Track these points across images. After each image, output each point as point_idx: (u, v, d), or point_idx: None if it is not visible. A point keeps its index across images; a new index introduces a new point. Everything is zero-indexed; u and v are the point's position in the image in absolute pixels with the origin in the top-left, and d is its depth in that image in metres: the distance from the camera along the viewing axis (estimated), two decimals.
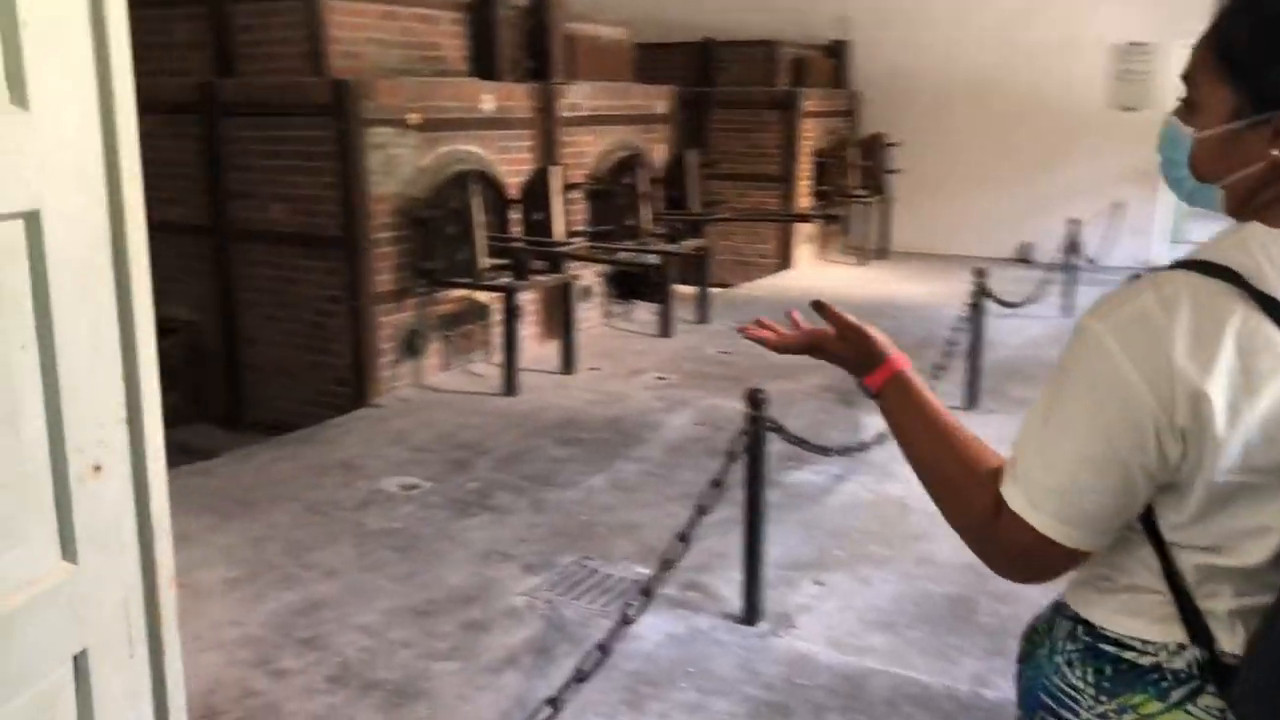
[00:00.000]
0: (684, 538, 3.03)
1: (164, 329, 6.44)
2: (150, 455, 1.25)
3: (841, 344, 1.44)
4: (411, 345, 6.08)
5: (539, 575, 3.83)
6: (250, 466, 4.85)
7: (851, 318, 1.45)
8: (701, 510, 3.08)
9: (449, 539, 4.11)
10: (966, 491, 1.23)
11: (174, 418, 6.35)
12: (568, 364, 6.54)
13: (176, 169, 6.14)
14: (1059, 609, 1.29)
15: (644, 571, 3.79)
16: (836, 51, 11.60)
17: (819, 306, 1.48)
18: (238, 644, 3.31)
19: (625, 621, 2.76)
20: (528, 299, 7.05)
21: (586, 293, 7.70)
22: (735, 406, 5.78)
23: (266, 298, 6.06)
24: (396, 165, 5.82)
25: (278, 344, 6.09)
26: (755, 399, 3.33)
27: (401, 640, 3.35)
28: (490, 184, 6.53)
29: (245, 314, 6.16)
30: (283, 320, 6.03)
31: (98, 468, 1.19)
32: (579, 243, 6.91)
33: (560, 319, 6.72)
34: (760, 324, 1.55)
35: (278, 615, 3.49)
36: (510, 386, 6.05)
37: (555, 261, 6.51)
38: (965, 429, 1.32)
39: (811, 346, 1.47)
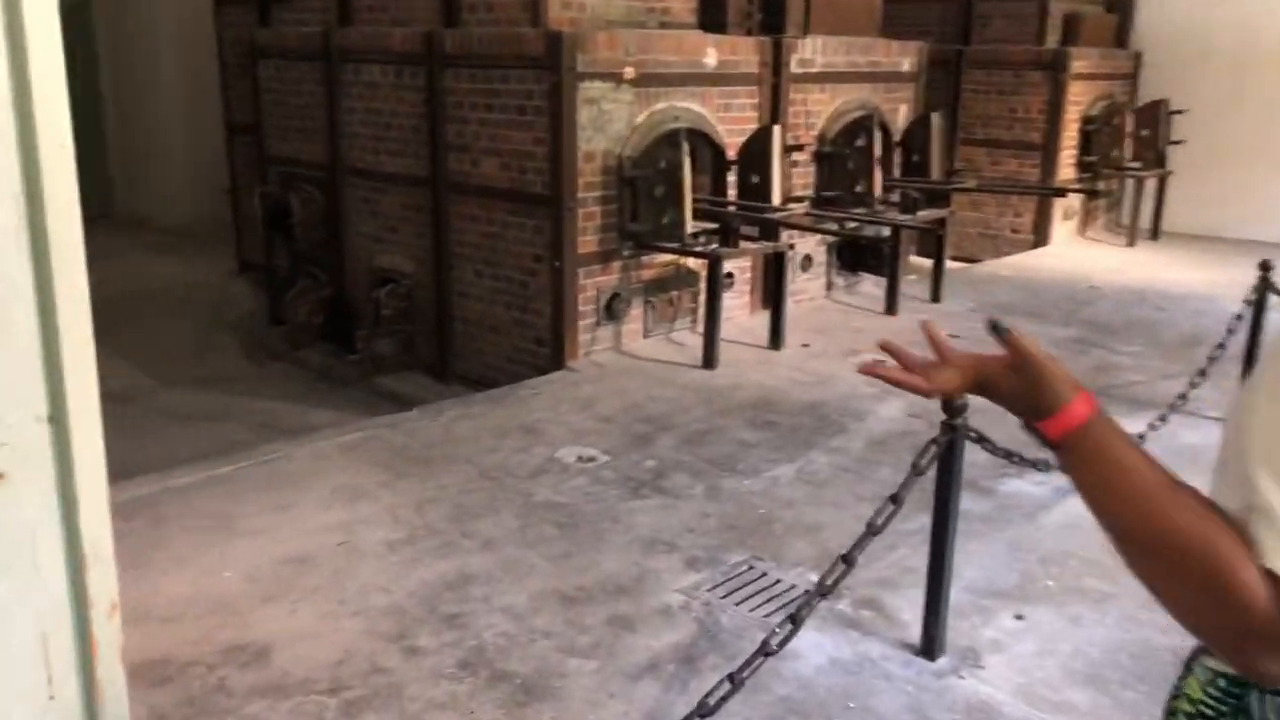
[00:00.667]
0: (847, 560, 2.62)
1: (383, 279, 6.62)
2: (82, 464, 1.04)
3: (1013, 378, 1.17)
4: (612, 309, 5.88)
5: (701, 572, 3.52)
6: (437, 424, 4.82)
7: (1031, 344, 1.16)
8: (872, 530, 2.66)
9: (614, 520, 3.88)
10: (1213, 576, 0.93)
11: (388, 365, 6.55)
12: (775, 338, 6.15)
13: (402, 119, 6.21)
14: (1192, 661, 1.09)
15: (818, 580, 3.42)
16: (1119, 7, 10.35)
17: (995, 328, 1.20)
18: (381, 613, 3.22)
19: (765, 653, 2.41)
20: (740, 266, 6.70)
21: (807, 262, 7.25)
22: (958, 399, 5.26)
23: (477, 253, 6.04)
24: (608, 121, 5.60)
25: (485, 299, 6.07)
26: (952, 403, 2.85)
27: (543, 629, 3.15)
28: (708, 144, 6.20)
29: (458, 268, 6.17)
30: (490, 276, 6.00)
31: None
32: (797, 209, 6.47)
33: (772, 289, 6.32)
34: (890, 349, 1.31)
35: (427, 586, 3.38)
36: (709, 359, 5.74)
37: (769, 228, 6.11)
38: (1181, 484, 1.00)
39: (975, 382, 1.23)
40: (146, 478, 4.20)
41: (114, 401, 5.94)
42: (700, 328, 6.09)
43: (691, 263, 6.19)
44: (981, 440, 3.02)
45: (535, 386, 5.41)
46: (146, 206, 10.19)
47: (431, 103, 5.97)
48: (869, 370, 1.32)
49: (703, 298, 6.10)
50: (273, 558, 3.54)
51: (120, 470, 5.15)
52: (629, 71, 5.63)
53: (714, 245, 5.92)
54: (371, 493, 4.07)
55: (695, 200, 5.87)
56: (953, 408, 2.86)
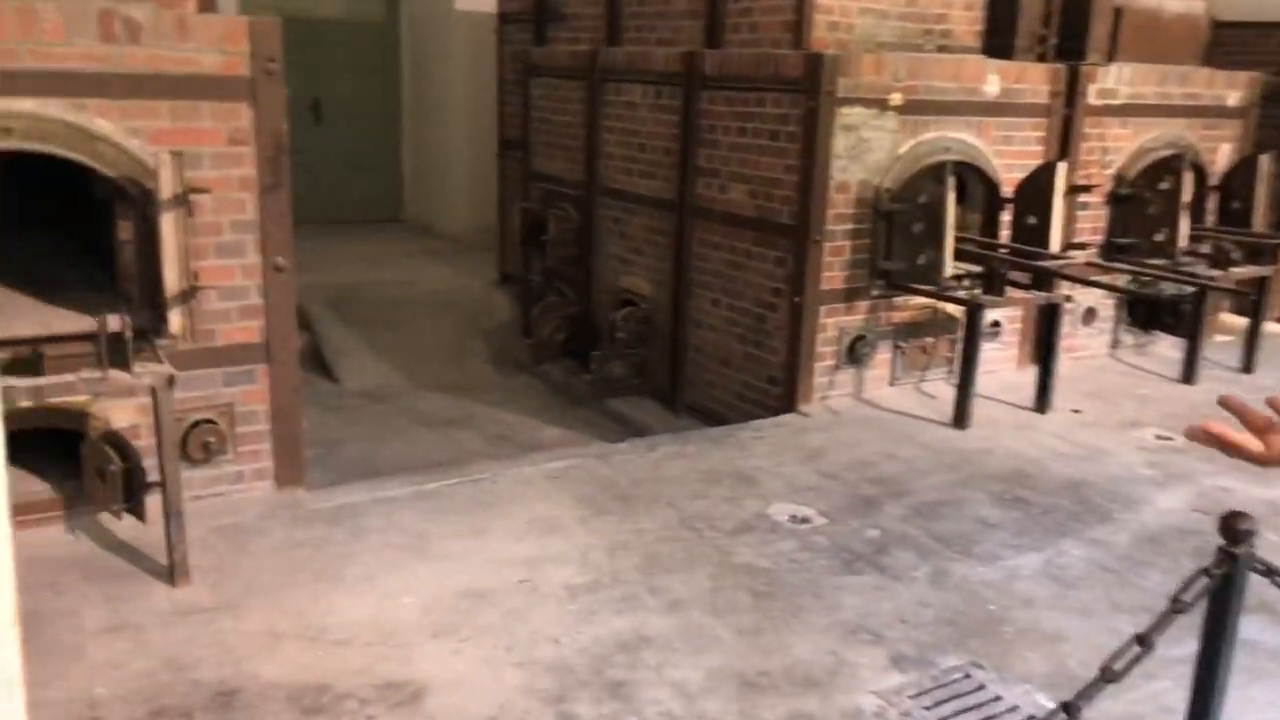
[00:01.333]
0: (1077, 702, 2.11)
1: (624, 301, 6.51)
2: None
3: None
4: (855, 352, 5.43)
5: (907, 673, 3.05)
6: (646, 460, 4.59)
7: None
8: (1108, 676, 2.13)
9: (817, 595, 3.47)
10: None
11: (619, 388, 6.42)
12: (1042, 400, 5.46)
13: (656, 141, 6.07)
14: None
15: (1047, 705, 2.86)
16: None
17: None
18: (545, 668, 3.00)
19: None
20: (1010, 316, 6.04)
21: (1089, 316, 6.44)
22: (1260, 496, 4.40)
23: (716, 281, 5.78)
24: (867, 150, 5.17)
25: (720, 330, 5.80)
26: (1233, 525, 2.25)
27: (713, 716, 2.81)
28: (980, 179, 5.62)
29: (696, 295, 5.94)
30: (728, 306, 5.72)
31: None
32: (1079, 257, 5.73)
33: (1043, 344, 5.62)
34: (1231, 405, 1.18)
35: (599, 643, 3.14)
36: (960, 417, 5.16)
37: (1044, 277, 5.44)
38: None
39: None
40: (356, 486, 4.25)
41: (369, 400, 6.17)
42: (955, 380, 5.51)
43: (951, 308, 5.61)
44: (1273, 574, 2.38)
45: (759, 429, 5.06)
46: (430, 214, 10.74)
47: (685, 125, 5.78)
48: (1199, 434, 1.20)
49: (960, 347, 5.51)
50: (454, 588, 3.43)
51: (359, 468, 5.37)
52: (895, 97, 5.18)
53: (977, 291, 5.33)
54: (566, 528, 3.88)
55: (959, 240, 5.31)
56: (1235, 530, 2.26)
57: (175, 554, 3.32)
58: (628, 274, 6.51)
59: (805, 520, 4.04)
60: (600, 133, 6.56)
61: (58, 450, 3.74)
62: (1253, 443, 1.20)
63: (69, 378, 3.12)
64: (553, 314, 6.95)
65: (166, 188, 3.26)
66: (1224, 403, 1.25)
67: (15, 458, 3.75)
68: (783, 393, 5.38)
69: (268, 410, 3.95)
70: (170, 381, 3.21)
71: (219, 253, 3.75)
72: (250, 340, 3.87)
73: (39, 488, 3.68)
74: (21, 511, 3.59)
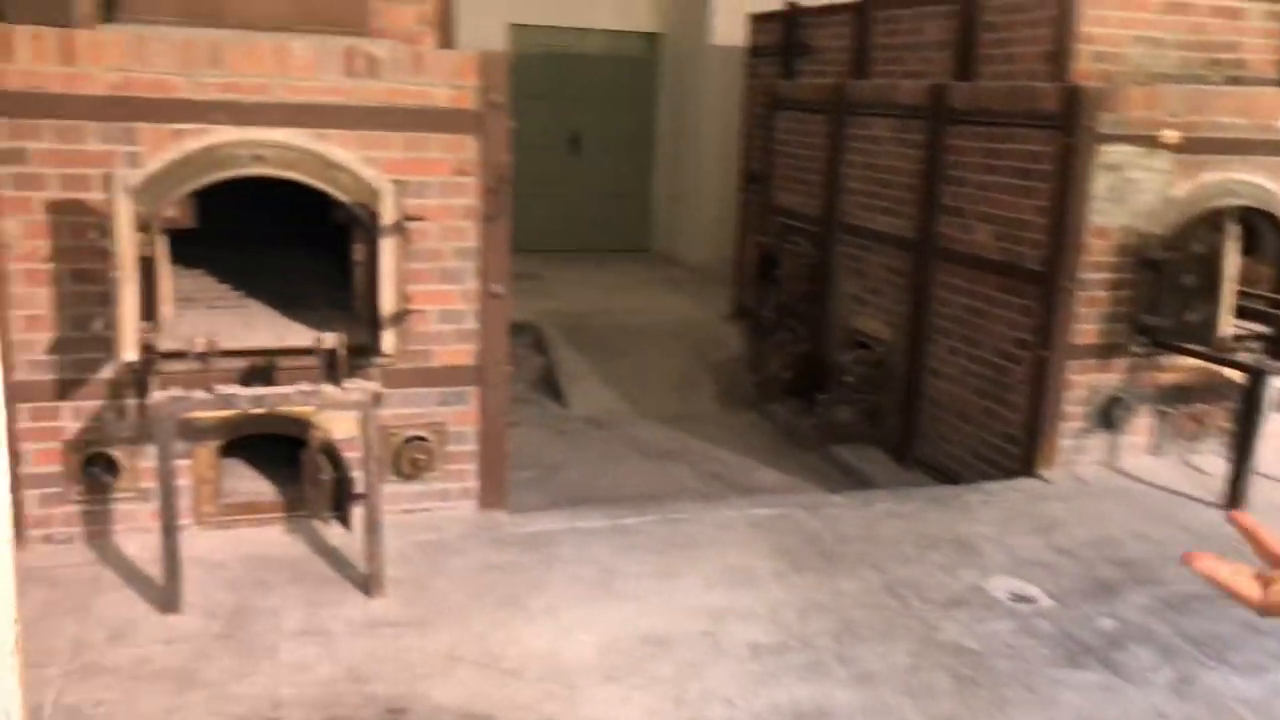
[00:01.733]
0: None
1: (857, 343, 6.23)
2: None
3: None
4: (1109, 415, 4.89)
5: None
6: (859, 515, 4.31)
7: None
8: None
9: (1030, 689, 3.10)
10: None
11: (846, 435, 6.14)
12: None
13: (898, 177, 5.78)
14: None
15: None
16: None
17: None
18: None
19: None
20: None
21: None
22: None
23: (956, 328, 5.40)
24: (1132, 192, 4.66)
25: (957, 380, 5.41)
26: None
27: None
28: (1274, 227, 4.93)
29: (933, 341, 5.58)
30: (966, 356, 5.33)
31: None
32: None
33: None
34: (1244, 526, 1.00)
35: (777, 711, 2.93)
36: (1234, 497, 4.52)
37: None
38: None
39: None
40: (556, 514, 4.26)
41: (593, 425, 6.25)
42: (1231, 455, 4.83)
43: (1229, 372, 4.95)
44: None
45: (990, 493, 4.65)
46: (676, 244, 10.85)
47: (930, 161, 5.46)
48: (1192, 559, 1.03)
49: (1239, 418, 4.84)
50: (634, 631, 3.33)
51: (574, 494, 5.43)
52: (1169, 135, 4.64)
53: (1260, 354, 4.67)
54: (760, 581, 3.70)
55: (1242, 295, 4.69)
56: None
57: (372, 566, 3.42)
58: (862, 314, 6.23)
59: (1028, 599, 3.64)
60: (842, 167, 6.34)
61: (286, 456, 3.98)
62: (1245, 588, 0.98)
63: (286, 389, 3.30)
64: (781, 351, 6.77)
65: (387, 215, 3.40)
66: (1234, 521, 1.01)
67: (250, 459, 4.04)
68: (1022, 454, 4.93)
69: (477, 432, 4.03)
70: (377, 398, 3.32)
71: (441, 278, 3.87)
72: (465, 363, 3.96)
73: (265, 489, 3.93)
74: (247, 510, 3.85)
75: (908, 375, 5.76)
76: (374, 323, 3.54)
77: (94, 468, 3.60)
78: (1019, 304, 4.94)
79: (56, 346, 3.46)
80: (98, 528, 3.65)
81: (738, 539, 4.04)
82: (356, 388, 3.30)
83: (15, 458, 3.50)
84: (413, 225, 3.60)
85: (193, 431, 3.68)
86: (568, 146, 10.88)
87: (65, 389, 3.51)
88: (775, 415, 6.82)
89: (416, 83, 3.67)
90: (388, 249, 3.41)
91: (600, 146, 10.99)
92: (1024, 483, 4.79)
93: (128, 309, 3.13)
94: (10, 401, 3.45)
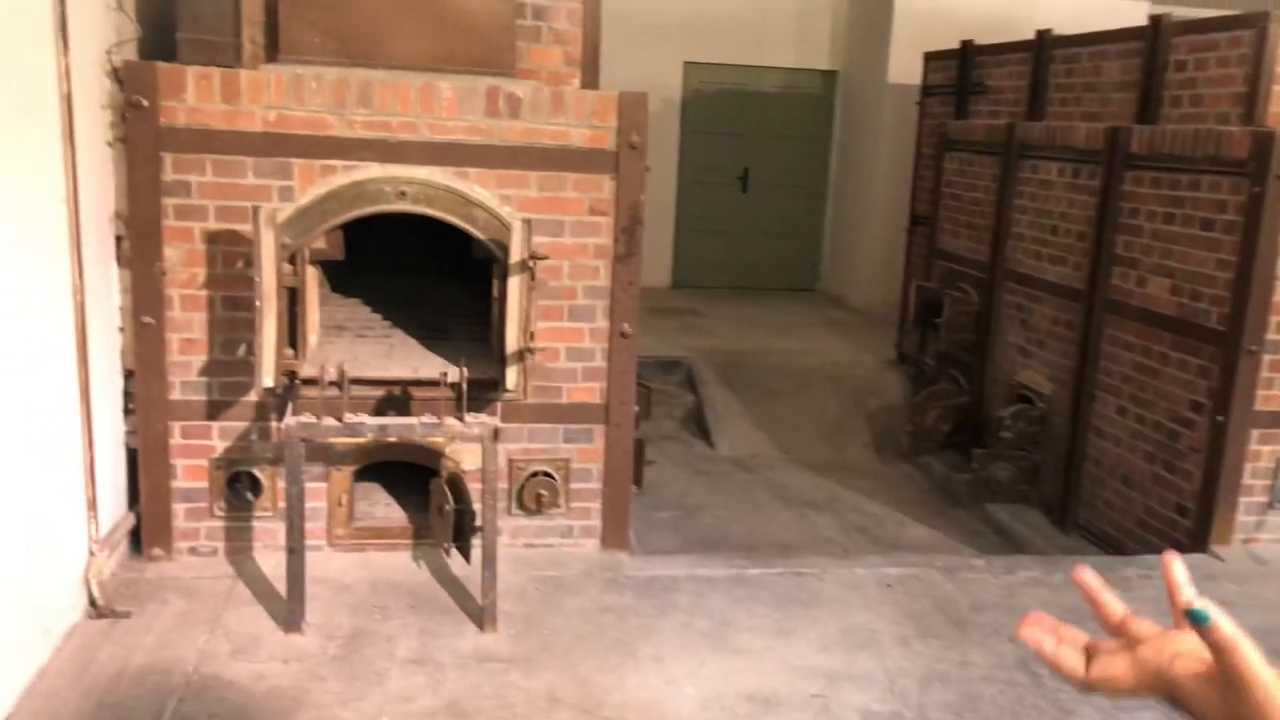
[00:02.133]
0: None
1: (1019, 396, 5.89)
2: None
3: (1212, 695, 0.80)
4: None
5: None
6: (999, 582, 4.04)
7: (1243, 647, 0.78)
8: None
9: None
10: None
11: (1003, 493, 5.80)
12: None
13: (1069, 224, 5.45)
14: None
15: None
16: None
17: (1192, 614, 0.80)
18: None
19: None
20: None
21: None
22: None
23: (1125, 386, 5.02)
24: None
25: (1124, 443, 5.01)
26: None
27: None
28: None
29: (1100, 399, 5.21)
30: (1135, 417, 4.93)
31: None
32: None
33: None
34: (1090, 592, 0.89)
35: None
36: None
37: None
38: None
39: (1154, 682, 0.84)
40: (679, 559, 4.19)
41: (738, 468, 6.17)
42: None
43: None
44: None
45: (1151, 566, 4.26)
46: (842, 285, 10.61)
47: (1104, 207, 5.12)
48: (1022, 625, 0.93)
49: None
50: (741, 688, 3.21)
51: (709, 537, 5.35)
52: None
53: None
54: (882, 646, 3.51)
55: None
56: None
57: (486, 600, 3.45)
58: (1026, 367, 5.88)
59: None
60: (1010, 212, 6.03)
61: (423, 484, 4.08)
62: (1067, 663, 0.87)
63: (410, 420, 3.38)
64: (938, 402, 6.48)
65: (515, 253, 3.45)
66: (1076, 581, 0.89)
67: (390, 486, 4.16)
68: (1193, 527, 4.51)
69: (601, 470, 4.02)
70: (496, 433, 3.36)
71: (571, 315, 3.89)
72: (591, 401, 3.97)
73: (397, 515, 4.04)
74: (377, 535, 3.96)
75: (1070, 434, 5.39)
76: (501, 359, 3.59)
77: (238, 485, 3.79)
78: (1195, 364, 4.55)
79: (208, 369, 3.68)
80: (239, 543, 3.84)
81: (865, 599, 3.85)
82: (478, 422, 3.34)
83: (168, 471, 3.74)
84: (542, 263, 3.64)
85: (330, 456, 3.83)
86: (737, 184, 10.86)
87: (215, 409, 3.72)
88: (931, 468, 6.52)
89: (555, 123, 3.72)
90: (514, 287, 3.46)
91: (771, 184, 10.91)
92: (1194, 559, 4.37)
93: (268, 336, 3.29)
94: (166, 419, 3.69)
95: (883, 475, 6.64)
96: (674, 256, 10.87)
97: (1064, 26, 6.36)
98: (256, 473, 3.78)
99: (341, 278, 4.82)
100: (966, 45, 7.12)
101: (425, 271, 5.04)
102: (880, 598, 3.86)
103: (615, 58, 10.10)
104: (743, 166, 10.86)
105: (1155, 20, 5.14)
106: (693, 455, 6.80)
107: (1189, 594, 0.83)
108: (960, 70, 7.16)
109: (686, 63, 10.51)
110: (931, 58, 7.92)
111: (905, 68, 9.29)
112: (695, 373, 7.68)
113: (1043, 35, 6.14)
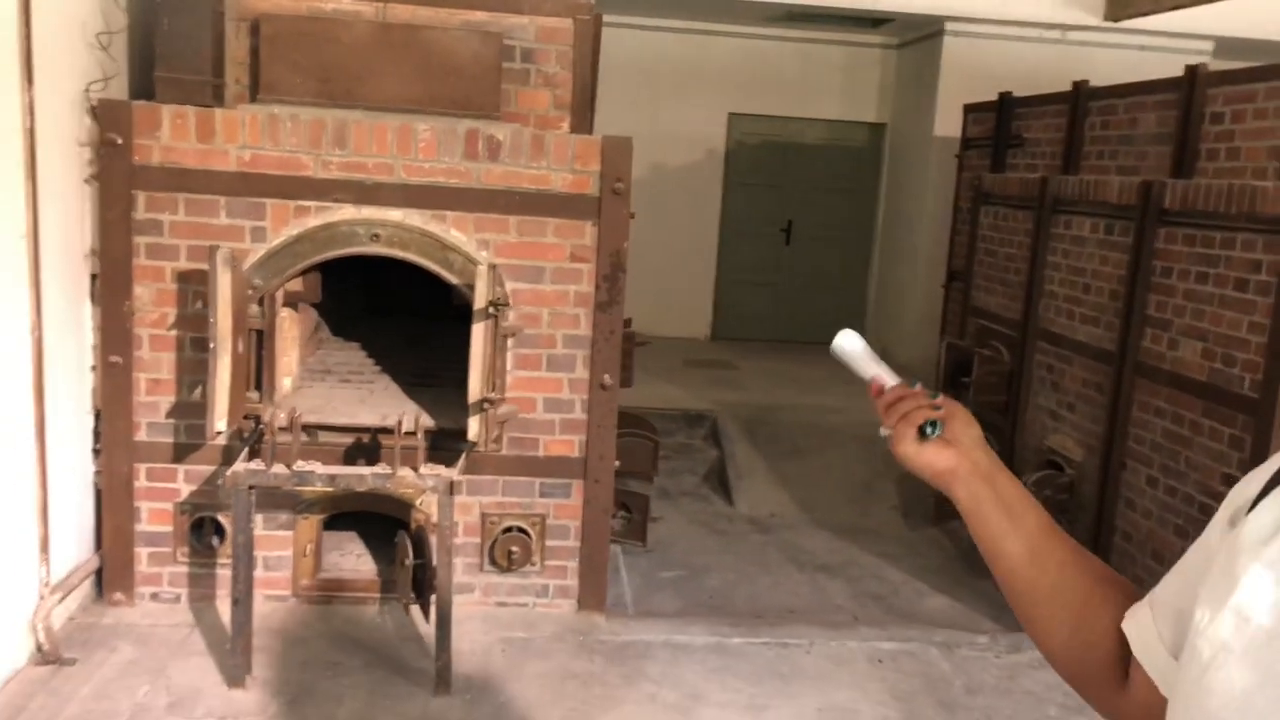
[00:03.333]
0: None
1: (1049, 461, 5.57)
2: None
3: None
4: None
5: None
6: (1002, 661, 3.76)
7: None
8: None
9: None
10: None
11: None
12: None
13: (1101, 282, 5.17)
14: None
15: None
16: None
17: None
18: None
19: None
20: None
21: None
22: None
23: (1155, 455, 4.69)
24: None
25: (1154, 516, 4.68)
26: None
27: None
28: None
29: (1129, 468, 4.88)
30: (1166, 489, 4.60)
31: None
32: None
33: None
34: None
35: None
36: None
37: None
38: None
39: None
40: (659, 623, 3.98)
41: (754, 528, 5.93)
42: None
43: None
44: None
45: None
46: (887, 340, 10.34)
47: (1135, 265, 4.84)
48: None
49: None
50: None
51: (711, 601, 5.11)
52: None
53: None
54: None
55: None
56: None
57: (439, 663, 3.28)
58: (1057, 431, 5.57)
59: None
60: (1043, 268, 5.76)
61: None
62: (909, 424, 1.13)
63: (362, 470, 3.26)
64: None
65: (479, 298, 3.32)
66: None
67: (366, 536, 4.04)
68: None
69: (578, 528, 3.85)
70: (451, 487, 3.21)
71: (550, 365, 3.76)
72: (569, 454, 3.81)
73: (367, 568, 3.91)
74: (345, 588, 3.83)
75: (1099, 504, 5.05)
76: (467, 408, 3.45)
77: (202, 530, 3.70)
78: (1228, 434, 4.22)
79: (175, 410, 3.61)
80: (202, 590, 3.74)
81: (851, 675, 3.60)
82: (433, 473, 3.20)
83: (131, 514, 3.66)
84: (522, 311, 3.51)
85: (297, 504, 3.72)
86: (780, 236, 10.70)
87: (181, 452, 3.64)
88: (959, 535, 6.20)
89: (536, 167, 3.62)
90: (477, 333, 3.34)
91: (815, 237, 10.72)
92: None
93: (221, 379, 3.20)
94: (131, 461, 3.62)
95: (907, 540, 6.33)
96: (714, 308, 10.72)
97: (1120, 76, 6.11)
98: (221, 519, 3.68)
99: (353, 320, 4.76)
100: (1004, 97, 6.90)
101: (435, 316, 4.96)
102: (868, 674, 3.60)
103: (659, 108, 10.13)
104: (786, 219, 10.70)
105: (1191, 70, 4.88)
106: (710, 513, 6.57)
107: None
108: (998, 123, 6.94)
109: (731, 114, 10.43)
110: (971, 110, 7.71)
111: (951, 121, 9.08)
112: (720, 427, 7.47)
113: (1079, 86, 5.91)
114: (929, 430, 1.13)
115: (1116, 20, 8.23)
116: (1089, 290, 5.30)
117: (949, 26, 8.94)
